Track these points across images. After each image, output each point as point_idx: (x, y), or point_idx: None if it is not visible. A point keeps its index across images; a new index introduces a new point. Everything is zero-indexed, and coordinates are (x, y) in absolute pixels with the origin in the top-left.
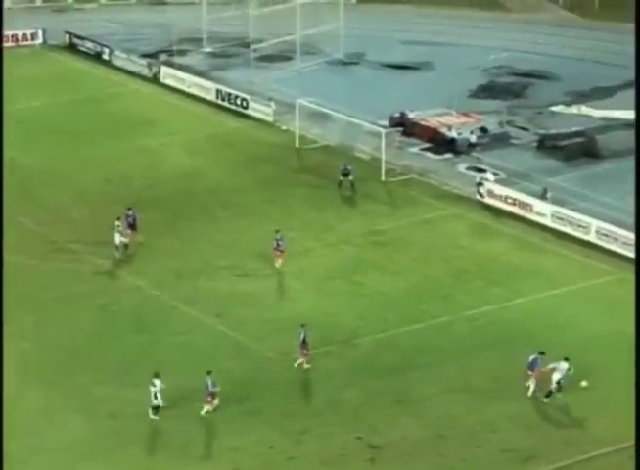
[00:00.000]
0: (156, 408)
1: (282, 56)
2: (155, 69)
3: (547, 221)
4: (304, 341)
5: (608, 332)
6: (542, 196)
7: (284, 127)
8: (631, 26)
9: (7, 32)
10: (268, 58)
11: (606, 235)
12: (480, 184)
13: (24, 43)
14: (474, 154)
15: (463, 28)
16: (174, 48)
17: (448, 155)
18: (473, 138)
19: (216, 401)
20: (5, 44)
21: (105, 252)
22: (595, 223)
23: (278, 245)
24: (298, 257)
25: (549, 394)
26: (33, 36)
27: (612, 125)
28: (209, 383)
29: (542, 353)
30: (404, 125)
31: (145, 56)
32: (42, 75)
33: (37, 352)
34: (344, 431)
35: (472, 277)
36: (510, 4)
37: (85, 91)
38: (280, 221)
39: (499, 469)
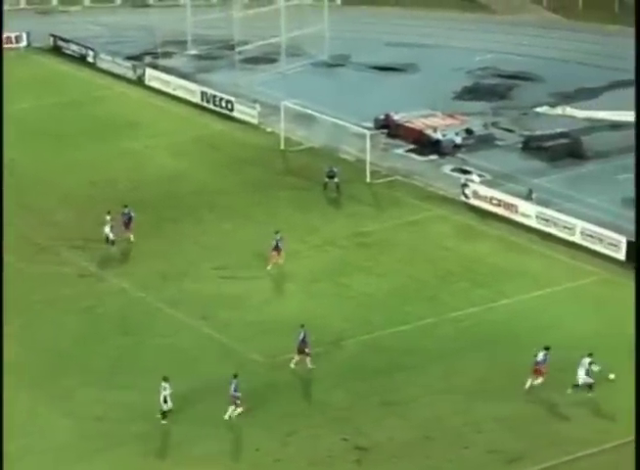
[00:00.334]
0: (165, 413)
1: (267, 58)
2: (139, 71)
3: (532, 222)
4: (304, 340)
5: (593, 332)
6: (527, 197)
7: (269, 129)
8: (615, 28)
9: None
10: (253, 60)
11: (591, 236)
12: (465, 185)
13: (9, 46)
14: (459, 155)
15: (448, 30)
16: (159, 50)
17: (433, 156)
18: (458, 140)
19: (240, 408)
20: None
21: (90, 254)
22: (580, 224)
23: (277, 245)
24: (284, 259)
25: (576, 387)
26: (18, 39)
27: (596, 126)
28: (233, 387)
29: (547, 349)
30: (389, 127)
31: (130, 58)
32: (27, 78)
33: (23, 354)
34: (331, 432)
35: (457, 278)
36: (495, 6)
37: (70, 94)
38: (265, 223)
39: None
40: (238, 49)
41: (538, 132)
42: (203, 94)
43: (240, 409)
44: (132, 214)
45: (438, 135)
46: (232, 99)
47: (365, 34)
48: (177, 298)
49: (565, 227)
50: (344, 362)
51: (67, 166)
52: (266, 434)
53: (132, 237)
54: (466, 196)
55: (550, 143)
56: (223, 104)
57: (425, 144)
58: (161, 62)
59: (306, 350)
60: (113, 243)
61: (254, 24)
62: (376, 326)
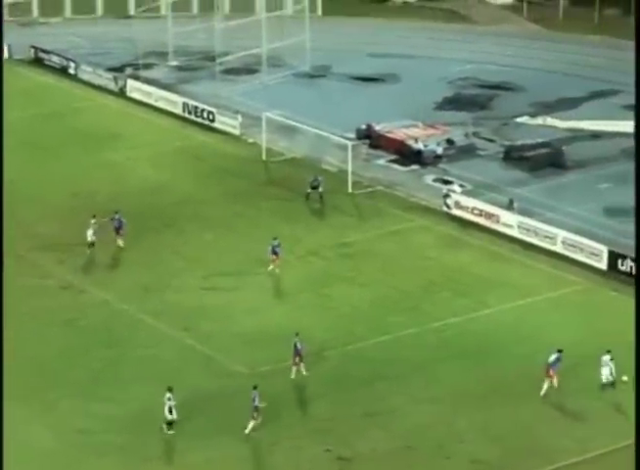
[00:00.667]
0: (170, 423)
1: (248, 69)
2: (121, 82)
3: (514, 232)
4: (297, 349)
5: (574, 341)
6: (509, 207)
7: (251, 140)
8: (595, 38)
9: None
10: (234, 71)
11: (572, 245)
12: (446, 196)
13: None
14: (440, 165)
15: (429, 41)
16: (140, 62)
17: (415, 167)
18: (439, 150)
19: (259, 419)
20: None
21: (72, 266)
22: (561, 234)
23: (274, 251)
24: (266, 269)
25: (604, 386)
26: None
27: (577, 136)
28: (255, 397)
29: (560, 351)
30: (371, 138)
31: (111, 70)
32: (8, 90)
33: (6, 366)
34: (314, 443)
35: (439, 288)
36: (476, 16)
37: (51, 105)
38: (248, 234)
39: None
40: (219, 60)
41: (519, 142)
42: (184, 105)
43: (256, 421)
44: (123, 220)
45: (420, 146)
46: (214, 110)
47: (346, 45)
48: (159, 309)
49: (546, 237)
50: (327, 373)
51: (48, 178)
52: (249, 444)
53: (122, 243)
54: (448, 206)
55: (531, 153)
56: (205, 115)
57: (406, 154)
58: (143, 73)
59: (297, 359)
60: (92, 244)
61: (236, 35)
62: (358, 336)
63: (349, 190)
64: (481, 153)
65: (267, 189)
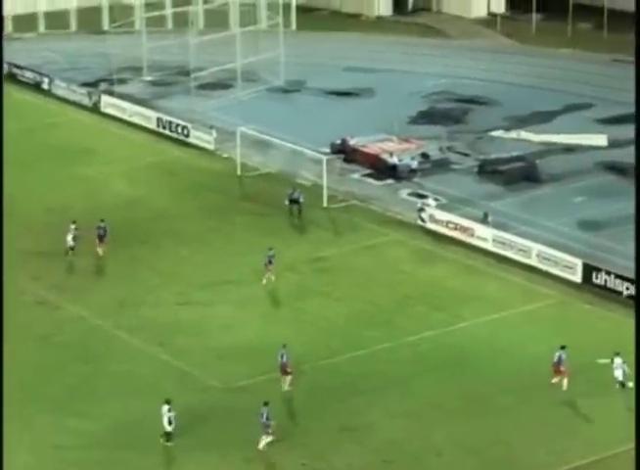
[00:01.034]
0: (169, 435)
1: (222, 84)
2: (95, 98)
3: (489, 246)
4: (284, 360)
5: (549, 354)
6: (483, 220)
7: (225, 155)
8: (568, 51)
9: None
10: (209, 86)
11: (547, 259)
12: (421, 210)
13: None
14: (415, 180)
15: (403, 55)
16: (114, 77)
17: (390, 181)
18: (414, 164)
19: (271, 436)
20: None
21: (48, 281)
22: (536, 247)
23: (270, 262)
24: (242, 284)
25: (622, 385)
26: None
27: (551, 150)
28: (265, 415)
29: (563, 348)
30: (345, 152)
31: (85, 85)
32: None
33: None
34: (289, 458)
35: (414, 302)
36: (450, 31)
37: (25, 121)
38: (223, 249)
39: None
40: (193, 75)
41: (494, 156)
42: (158, 120)
43: (271, 438)
44: (106, 228)
45: (395, 160)
46: (188, 125)
47: (321, 59)
48: (135, 324)
49: (521, 250)
50: (303, 387)
51: (23, 194)
52: (224, 460)
53: (101, 252)
54: (422, 220)
55: (505, 167)
56: (179, 130)
57: (381, 169)
58: (117, 88)
59: (287, 369)
60: (72, 249)
61: (210, 50)
62: (334, 351)
63: (324, 204)
64: (456, 167)
65: (242, 204)
